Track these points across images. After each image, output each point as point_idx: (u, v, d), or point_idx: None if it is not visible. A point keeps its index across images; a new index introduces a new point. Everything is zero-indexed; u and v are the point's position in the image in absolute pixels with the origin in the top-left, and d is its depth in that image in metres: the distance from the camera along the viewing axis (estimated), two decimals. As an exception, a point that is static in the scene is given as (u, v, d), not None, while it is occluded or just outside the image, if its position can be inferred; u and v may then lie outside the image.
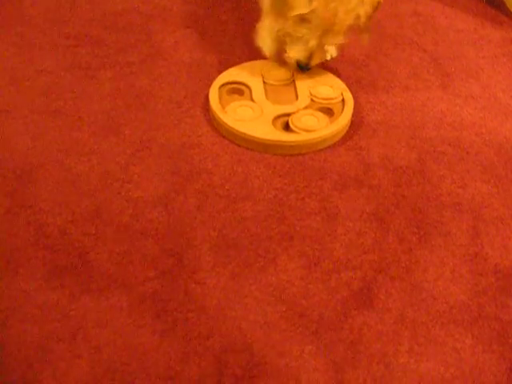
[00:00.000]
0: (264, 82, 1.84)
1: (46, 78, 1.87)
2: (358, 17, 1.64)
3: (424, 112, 1.81)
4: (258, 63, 1.90)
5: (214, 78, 1.82)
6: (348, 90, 1.82)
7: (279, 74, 1.85)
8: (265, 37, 1.82)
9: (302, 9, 1.56)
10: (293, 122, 1.69)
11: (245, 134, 1.65)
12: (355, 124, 1.74)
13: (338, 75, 1.88)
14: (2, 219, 1.43)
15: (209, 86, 1.79)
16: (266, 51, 1.83)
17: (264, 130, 1.66)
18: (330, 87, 1.82)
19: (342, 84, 1.85)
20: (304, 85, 1.83)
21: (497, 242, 1.45)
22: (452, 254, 1.42)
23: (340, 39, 1.71)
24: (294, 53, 1.74)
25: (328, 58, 1.94)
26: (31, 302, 1.26)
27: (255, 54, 1.89)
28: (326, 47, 1.92)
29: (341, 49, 1.99)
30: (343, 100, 1.78)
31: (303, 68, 1.79)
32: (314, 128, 1.67)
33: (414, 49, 2.09)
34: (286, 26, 1.66)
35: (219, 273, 1.33)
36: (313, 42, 1.67)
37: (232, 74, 1.86)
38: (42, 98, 1.79)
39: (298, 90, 1.81)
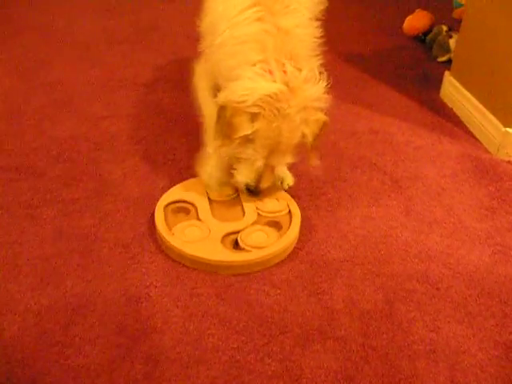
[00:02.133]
0: (209, 199, 1.77)
1: (-19, 220, 1.73)
2: (303, 135, 1.59)
3: (388, 244, 1.71)
4: (201, 179, 1.82)
5: (164, 216, 1.71)
6: (293, 201, 1.77)
7: (223, 189, 1.79)
8: (210, 170, 1.77)
9: (245, 130, 1.53)
10: (242, 239, 1.63)
11: (194, 256, 1.57)
12: (316, 263, 1.63)
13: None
14: None
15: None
16: (213, 185, 1.79)
17: (213, 251, 1.58)
18: (275, 199, 1.77)
19: (286, 195, 1.80)
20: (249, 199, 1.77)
21: (477, 395, 1.32)
22: (430, 414, 1.28)
23: (288, 159, 1.65)
24: (242, 176, 1.68)
25: (285, 187, 1.86)
26: None
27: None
28: (282, 176, 1.86)
29: (297, 176, 1.92)
30: (290, 211, 1.74)
31: (253, 192, 1.71)
32: (263, 244, 1.61)
33: (374, 171, 2.03)
34: (232, 149, 1.61)
35: None
36: (259, 163, 1.61)
37: (176, 193, 1.79)
38: (-25, 245, 1.64)
39: (243, 204, 1.76)
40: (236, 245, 1.65)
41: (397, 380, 1.34)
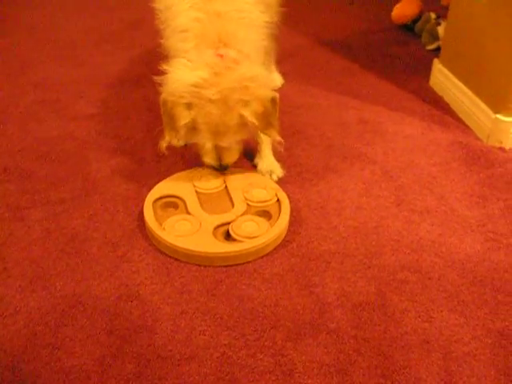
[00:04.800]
0: (197, 192, 1.76)
1: (-32, 223, 1.71)
2: (242, 116, 1.60)
3: (379, 234, 1.70)
4: (187, 173, 1.84)
5: (152, 213, 1.70)
6: (281, 190, 1.77)
7: (210, 181, 1.80)
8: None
9: (184, 119, 1.60)
10: (234, 230, 1.63)
11: (188, 249, 1.56)
12: (307, 256, 1.62)
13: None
14: None
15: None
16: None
17: (206, 244, 1.58)
18: (263, 189, 1.77)
19: (274, 184, 1.80)
20: (237, 190, 1.77)
21: None
22: (424, 405, 1.27)
23: (235, 138, 1.68)
24: (205, 159, 1.75)
25: (274, 179, 1.85)
26: None
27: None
28: (271, 168, 1.86)
29: (286, 168, 1.91)
30: (278, 200, 1.74)
31: (219, 169, 1.78)
32: (255, 234, 1.61)
33: (364, 161, 2.01)
34: (184, 137, 1.72)
35: None
36: (208, 145, 1.68)
37: (163, 188, 1.78)
38: (-37, 248, 1.63)
39: (232, 195, 1.75)
40: (227, 236, 1.64)
41: (390, 371, 1.33)
